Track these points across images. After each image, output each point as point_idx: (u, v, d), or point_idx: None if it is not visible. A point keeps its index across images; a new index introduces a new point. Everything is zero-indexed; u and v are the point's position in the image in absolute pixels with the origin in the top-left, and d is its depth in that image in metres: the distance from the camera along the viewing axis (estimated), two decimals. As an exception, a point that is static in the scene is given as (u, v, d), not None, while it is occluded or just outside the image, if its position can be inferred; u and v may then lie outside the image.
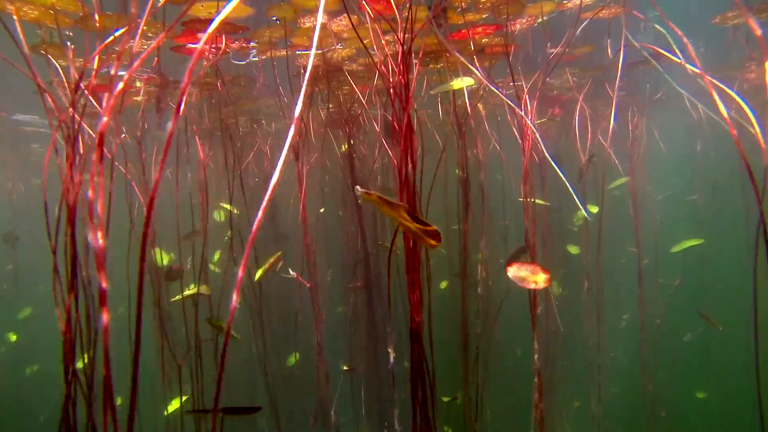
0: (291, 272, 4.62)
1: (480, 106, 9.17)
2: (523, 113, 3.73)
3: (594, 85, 8.33)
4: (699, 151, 11.18)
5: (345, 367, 4.96)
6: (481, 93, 6.86)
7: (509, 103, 3.64)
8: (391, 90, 2.59)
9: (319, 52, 5.32)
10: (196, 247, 5.93)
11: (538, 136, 3.46)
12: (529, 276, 2.53)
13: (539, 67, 6.58)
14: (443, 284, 10.38)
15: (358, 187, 1.70)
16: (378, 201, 1.72)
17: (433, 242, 1.96)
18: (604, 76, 7.57)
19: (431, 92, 4.08)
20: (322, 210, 9.61)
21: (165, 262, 6.23)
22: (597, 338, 7.13)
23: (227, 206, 7.59)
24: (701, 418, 10.97)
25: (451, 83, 3.69)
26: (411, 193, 2.38)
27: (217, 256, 8.54)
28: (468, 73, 5.95)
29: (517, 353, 9.41)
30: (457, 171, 5.23)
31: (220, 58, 5.20)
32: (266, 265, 4.09)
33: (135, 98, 6.26)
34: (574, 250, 8.90)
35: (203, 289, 3.64)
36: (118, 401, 8.08)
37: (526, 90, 3.99)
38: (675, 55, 3.22)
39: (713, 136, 11.48)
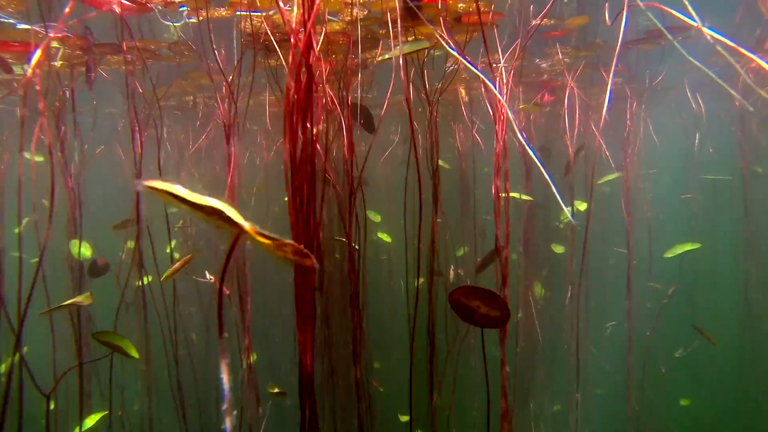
0: (208, 276, 3.85)
1: (463, 91, 8.38)
2: (498, 91, 2.97)
3: (587, 70, 7.57)
4: (697, 147, 10.50)
5: (274, 390, 4.17)
6: (456, 69, 6.06)
7: (481, 76, 2.88)
8: (295, 36, 1.81)
9: (259, 14, 4.50)
10: (142, 237, 5.11)
11: (511, 115, 2.70)
12: (481, 309, 1.79)
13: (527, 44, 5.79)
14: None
15: (139, 180, 0.94)
16: (176, 200, 0.96)
17: (306, 262, 1.20)
18: (600, 58, 6.80)
19: (378, 59, 3.31)
20: (285, 199, 8.83)
21: (87, 254, 5.43)
22: (580, 342, 6.45)
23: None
24: (685, 428, 10.45)
25: (402, 48, 2.92)
26: (309, 186, 1.62)
27: (168, 249, 7.75)
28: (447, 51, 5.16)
29: (493, 353, 8.75)
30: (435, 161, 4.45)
31: (137, 14, 4.37)
32: (176, 266, 3.32)
33: (56, 63, 5.42)
34: (558, 249, 8.20)
35: (83, 298, 2.87)
36: (52, 405, 7.30)
37: (503, 62, 3.27)
38: (690, 17, 2.47)
39: (712, 131, 10.81)
